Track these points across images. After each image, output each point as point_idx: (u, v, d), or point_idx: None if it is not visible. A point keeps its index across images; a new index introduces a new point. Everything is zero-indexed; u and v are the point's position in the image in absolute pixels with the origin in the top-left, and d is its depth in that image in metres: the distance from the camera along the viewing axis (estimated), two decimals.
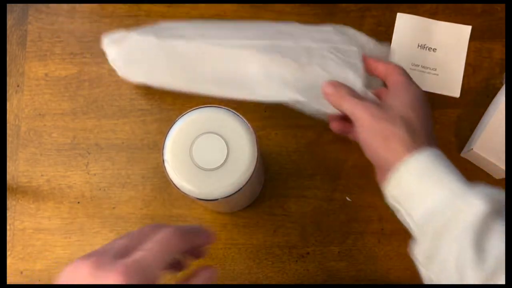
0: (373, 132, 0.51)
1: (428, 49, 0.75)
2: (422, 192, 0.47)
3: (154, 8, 0.78)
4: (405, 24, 0.76)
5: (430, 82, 0.75)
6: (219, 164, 0.56)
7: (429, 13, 0.76)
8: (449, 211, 0.45)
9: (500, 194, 0.46)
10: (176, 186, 0.57)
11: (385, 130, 0.50)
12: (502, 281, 0.41)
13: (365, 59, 0.61)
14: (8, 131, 0.76)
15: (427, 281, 0.48)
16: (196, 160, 0.57)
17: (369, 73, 0.61)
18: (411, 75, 0.73)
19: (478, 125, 0.73)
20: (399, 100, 0.53)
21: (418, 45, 0.75)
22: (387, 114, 0.51)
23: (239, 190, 0.57)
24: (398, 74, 0.57)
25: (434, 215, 0.46)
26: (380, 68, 0.59)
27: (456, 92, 0.74)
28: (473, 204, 0.45)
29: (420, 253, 0.48)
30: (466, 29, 0.75)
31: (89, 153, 0.75)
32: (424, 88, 0.74)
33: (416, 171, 0.48)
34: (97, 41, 0.77)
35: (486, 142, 0.69)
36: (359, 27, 0.76)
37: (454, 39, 0.75)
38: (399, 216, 0.51)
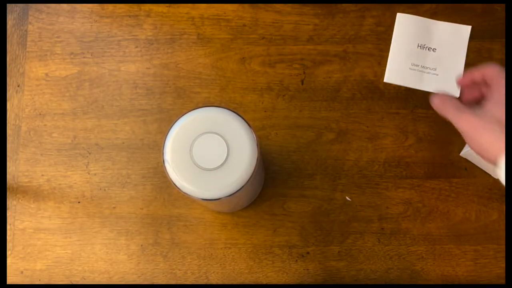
0: (474, 141, 0.60)
1: (428, 49, 0.75)
2: None
3: (154, 8, 0.78)
4: (405, 24, 0.76)
5: (429, 82, 0.75)
6: (219, 164, 0.56)
7: (429, 13, 0.76)
8: None
9: None
10: (176, 186, 0.57)
11: (484, 137, 0.58)
12: None
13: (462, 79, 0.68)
14: (9, 131, 0.76)
15: None
16: (197, 160, 0.57)
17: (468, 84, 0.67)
18: (410, 75, 0.73)
19: None
20: (495, 101, 0.60)
21: (418, 45, 0.75)
22: (484, 122, 0.59)
23: (239, 190, 0.57)
24: (494, 74, 0.63)
25: None
26: (476, 74, 0.65)
27: (456, 92, 0.75)
28: None
29: None
30: (466, 29, 0.75)
31: (89, 153, 0.75)
32: (424, 88, 0.75)
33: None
34: (98, 41, 0.78)
35: None
36: (359, 27, 0.77)
37: (454, 39, 0.75)
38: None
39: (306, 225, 0.73)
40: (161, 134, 0.75)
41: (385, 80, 0.75)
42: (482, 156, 0.60)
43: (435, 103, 0.65)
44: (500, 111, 0.59)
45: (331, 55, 0.76)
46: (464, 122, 0.61)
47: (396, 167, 0.74)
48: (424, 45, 0.75)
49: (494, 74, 0.63)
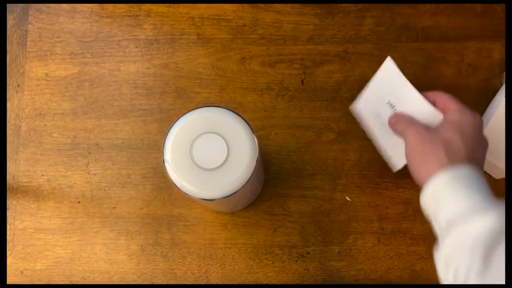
0: (416, 152, 0.58)
1: (393, 108, 0.65)
2: (446, 201, 0.52)
3: (154, 8, 0.78)
4: (389, 72, 0.65)
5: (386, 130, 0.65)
6: (219, 164, 0.56)
7: (429, 13, 0.76)
8: (465, 223, 0.50)
9: None
10: (176, 186, 0.57)
11: (426, 150, 0.57)
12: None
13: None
14: (9, 131, 0.76)
15: (444, 282, 0.52)
16: (196, 160, 0.57)
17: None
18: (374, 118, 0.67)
19: None
20: (448, 123, 0.58)
21: (388, 102, 0.65)
22: (431, 136, 0.57)
23: (239, 189, 0.57)
24: (446, 99, 0.61)
25: (453, 225, 0.51)
26: (429, 98, 0.63)
27: (398, 164, 0.65)
28: (487, 220, 0.49)
29: (440, 259, 0.52)
30: (438, 116, 0.60)
31: (89, 153, 0.75)
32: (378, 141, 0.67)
33: (444, 183, 0.53)
34: (98, 41, 0.78)
35: None
36: (359, 27, 0.77)
37: (420, 114, 0.62)
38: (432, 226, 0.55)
39: (306, 225, 0.73)
40: (161, 134, 0.75)
41: (353, 106, 0.69)
42: (413, 169, 0.57)
43: (391, 120, 0.63)
44: (449, 133, 0.56)
45: (331, 55, 0.76)
46: (413, 131, 0.58)
47: None
48: (393, 105, 0.65)
49: (446, 99, 0.60)
